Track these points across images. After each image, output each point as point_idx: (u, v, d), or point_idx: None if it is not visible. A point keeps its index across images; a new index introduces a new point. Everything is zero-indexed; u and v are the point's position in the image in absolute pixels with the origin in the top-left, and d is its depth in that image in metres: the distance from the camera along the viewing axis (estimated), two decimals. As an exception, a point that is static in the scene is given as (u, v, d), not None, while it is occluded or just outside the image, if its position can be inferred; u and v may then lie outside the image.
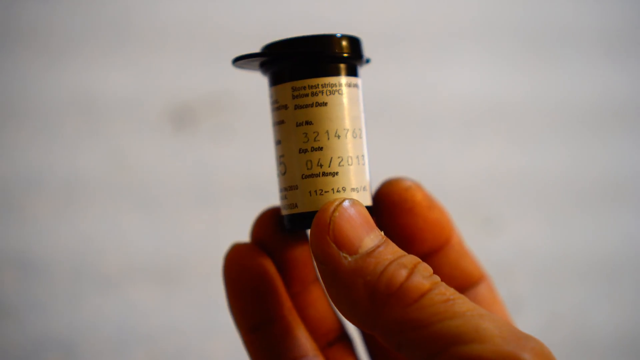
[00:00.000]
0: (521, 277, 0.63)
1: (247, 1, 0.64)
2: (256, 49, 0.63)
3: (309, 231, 0.33)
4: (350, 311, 0.27)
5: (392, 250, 0.28)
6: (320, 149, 0.29)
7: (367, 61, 0.31)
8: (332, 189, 0.29)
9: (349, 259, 0.27)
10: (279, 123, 0.30)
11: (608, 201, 0.66)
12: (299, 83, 0.30)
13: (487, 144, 0.65)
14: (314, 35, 0.30)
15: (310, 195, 0.29)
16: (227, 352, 0.58)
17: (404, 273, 0.26)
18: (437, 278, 0.27)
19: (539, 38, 0.69)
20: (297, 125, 0.30)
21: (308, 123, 0.29)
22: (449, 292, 0.26)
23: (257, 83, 0.63)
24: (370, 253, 0.27)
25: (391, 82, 0.65)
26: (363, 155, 0.30)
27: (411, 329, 0.25)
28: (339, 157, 0.29)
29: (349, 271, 0.27)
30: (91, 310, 0.57)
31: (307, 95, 0.29)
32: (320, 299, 0.34)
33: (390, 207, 0.33)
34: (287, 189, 0.30)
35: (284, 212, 0.31)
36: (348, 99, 0.30)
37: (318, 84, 0.29)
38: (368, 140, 0.31)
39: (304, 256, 0.33)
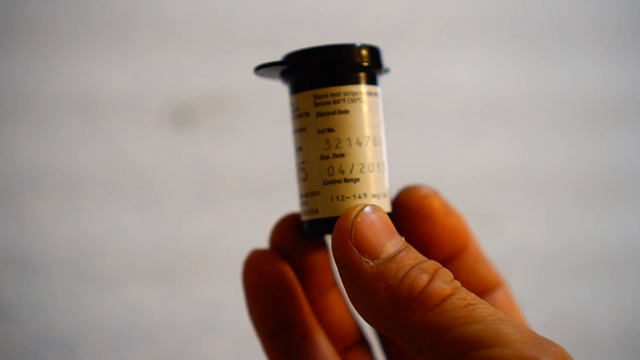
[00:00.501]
0: (522, 275, 0.63)
1: None
2: (259, 48, 0.64)
3: (329, 237, 0.34)
4: (372, 315, 0.27)
5: (413, 256, 0.28)
6: (342, 155, 0.30)
7: (386, 71, 0.32)
8: (354, 195, 0.30)
9: (371, 264, 0.27)
10: (300, 130, 0.31)
11: (609, 197, 0.66)
12: (321, 91, 0.30)
13: (487, 140, 0.66)
14: (336, 45, 0.30)
15: (332, 201, 0.30)
16: (227, 352, 0.58)
17: (425, 278, 0.27)
18: (457, 283, 0.27)
19: (539, 34, 0.69)
20: (319, 132, 0.30)
21: (330, 130, 0.30)
22: (470, 297, 0.27)
23: (257, 82, 0.64)
24: (392, 258, 0.28)
25: (391, 79, 0.65)
26: (383, 163, 0.31)
27: (432, 333, 0.26)
28: (360, 164, 0.30)
29: (370, 276, 0.27)
30: (91, 310, 0.57)
31: (329, 103, 0.30)
32: (338, 304, 0.35)
33: (408, 215, 0.33)
34: (308, 195, 0.31)
35: (305, 218, 0.31)
36: (369, 107, 0.30)
37: (340, 92, 0.30)
38: (387, 148, 0.32)
39: (322, 261, 0.34)
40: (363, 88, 0.30)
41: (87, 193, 0.59)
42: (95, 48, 0.61)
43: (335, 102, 0.30)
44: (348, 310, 0.35)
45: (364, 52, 0.31)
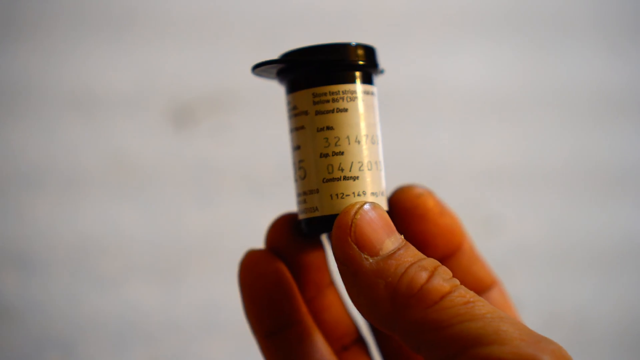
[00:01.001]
0: (522, 273, 0.63)
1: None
2: (259, 46, 0.63)
3: (325, 235, 0.34)
4: (371, 312, 0.28)
5: (412, 253, 0.28)
6: (342, 153, 0.30)
7: (382, 71, 0.32)
8: (353, 193, 0.30)
9: (370, 260, 0.28)
10: (298, 129, 0.31)
11: (609, 193, 0.66)
12: (320, 89, 0.30)
13: (487, 136, 0.66)
14: (335, 43, 0.31)
15: (332, 198, 0.30)
16: (228, 351, 0.58)
17: (424, 275, 0.27)
18: (456, 281, 0.27)
19: (540, 28, 0.69)
20: (317, 131, 0.30)
21: (329, 128, 0.30)
22: (468, 294, 0.27)
23: (255, 80, 0.64)
24: (391, 255, 0.28)
25: (390, 75, 0.65)
26: (380, 162, 0.31)
27: (431, 330, 0.26)
28: (359, 162, 0.30)
29: (370, 272, 0.27)
30: (91, 309, 0.57)
31: (328, 101, 0.30)
32: (334, 303, 0.35)
33: (403, 214, 0.33)
34: (307, 193, 0.31)
35: (303, 216, 0.31)
36: (366, 106, 0.31)
37: (339, 91, 0.30)
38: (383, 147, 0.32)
39: (318, 261, 0.34)
40: (361, 87, 0.31)
41: (87, 191, 0.59)
42: (95, 45, 0.61)
43: (334, 100, 0.30)
44: (345, 309, 0.36)
45: (362, 51, 0.31)
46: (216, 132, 0.62)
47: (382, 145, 0.32)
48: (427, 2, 0.67)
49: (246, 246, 0.59)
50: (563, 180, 0.66)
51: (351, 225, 0.28)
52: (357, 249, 0.28)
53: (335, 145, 0.30)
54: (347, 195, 0.30)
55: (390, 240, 0.28)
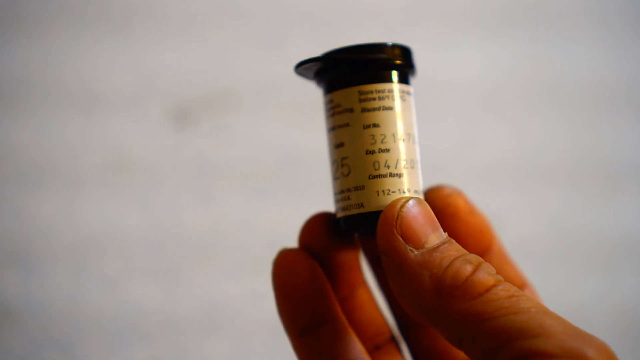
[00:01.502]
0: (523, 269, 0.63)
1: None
2: (259, 44, 0.63)
3: (360, 234, 0.34)
4: (415, 303, 0.28)
5: (456, 248, 0.29)
6: (388, 150, 0.31)
7: (415, 74, 0.33)
8: (398, 190, 0.31)
9: (415, 252, 0.28)
10: (342, 126, 0.31)
11: (613, 187, 0.66)
12: (366, 87, 0.31)
13: (488, 130, 0.66)
14: (381, 44, 0.31)
15: (378, 195, 0.31)
16: (227, 351, 0.58)
17: (469, 268, 0.27)
18: (500, 276, 0.28)
19: (542, 21, 0.69)
20: (364, 128, 0.31)
21: (375, 126, 0.31)
22: (513, 289, 0.27)
23: (255, 78, 0.63)
24: (436, 248, 0.28)
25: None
26: (418, 161, 0.32)
27: (475, 322, 0.26)
28: (403, 160, 0.31)
29: (415, 264, 0.28)
30: (91, 309, 0.56)
31: (374, 99, 0.31)
32: (367, 303, 0.35)
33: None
34: (352, 190, 0.31)
35: (346, 213, 0.32)
36: (408, 105, 0.32)
37: (385, 89, 0.31)
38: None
39: (352, 260, 0.34)
40: (403, 87, 0.32)
41: (87, 190, 0.58)
42: (95, 43, 0.61)
43: (380, 98, 0.31)
44: (377, 308, 0.36)
45: (404, 52, 0.32)
46: (216, 130, 0.62)
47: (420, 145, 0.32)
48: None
49: (247, 246, 0.60)
50: (565, 176, 0.66)
51: (397, 217, 0.29)
52: (403, 241, 0.28)
53: (382, 142, 0.31)
54: (393, 192, 0.31)
55: (434, 234, 0.29)
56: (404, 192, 0.31)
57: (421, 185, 0.32)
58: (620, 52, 0.70)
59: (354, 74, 0.31)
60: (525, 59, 0.68)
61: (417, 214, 0.29)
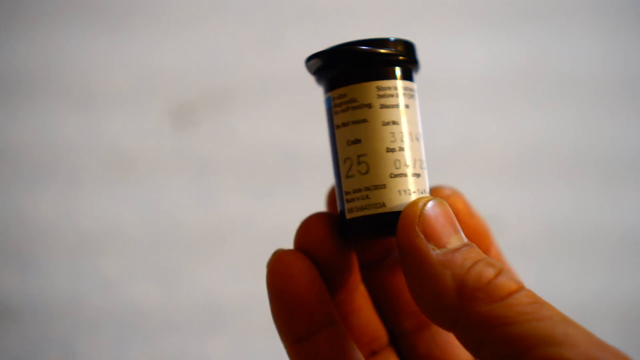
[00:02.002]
0: (523, 266, 0.63)
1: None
2: (259, 43, 0.62)
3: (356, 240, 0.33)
4: (433, 304, 0.27)
5: (478, 251, 0.28)
6: (408, 149, 0.30)
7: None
8: (417, 190, 0.30)
9: (437, 251, 0.27)
10: (359, 122, 0.30)
11: (615, 181, 0.66)
12: (384, 83, 0.30)
13: (489, 125, 0.66)
14: (401, 39, 0.31)
15: (400, 194, 0.30)
16: (227, 351, 0.58)
17: (492, 271, 0.27)
18: (522, 283, 0.27)
19: (544, 15, 0.69)
20: (383, 125, 0.30)
21: (395, 123, 0.30)
22: (535, 296, 0.27)
23: (254, 77, 0.63)
24: (458, 249, 0.28)
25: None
26: (425, 161, 0.31)
27: (497, 325, 0.25)
28: (419, 160, 0.31)
29: (437, 263, 0.27)
30: (91, 308, 0.56)
31: (392, 95, 0.30)
32: (364, 306, 0.34)
33: None
34: (370, 189, 0.30)
35: (363, 213, 0.30)
36: (418, 104, 0.31)
37: (403, 87, 0.30)
38: None
39: (350, 262, 0.33)
40: (415, 86, 0.31)
41: (87, 189, 0.58)
42: (95, 41, 0.61)
43: (398, 95, 0.30)
44: (374, 312, 0.35)
45: (414, 50, 0.31)
46: (216, 128, 0.61)
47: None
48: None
49: (247, 245, 0.59)
50: (567, 170, 0.66)
51: (420, 215, 0.28)
52: (424, 239, 0.28)
53: (401, 140, 0.30)
54: (414, 192, 0.30)
55: (456, 236, 0.28)
56: (423, 192, 0.30)
57: (428, 186, 0.31)
58: (622, 46, 0.70)
59: (374, 68, 0.30)
60: (525, 53, 0.68)
61: (439, 214, 0.28)
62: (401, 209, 0.29)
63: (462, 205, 0.34)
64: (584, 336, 0.25)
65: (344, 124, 0.31)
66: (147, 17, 0.62)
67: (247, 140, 0.62)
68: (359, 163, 0.30)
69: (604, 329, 0.61)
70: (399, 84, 0.30)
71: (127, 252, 0.58)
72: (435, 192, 0.34)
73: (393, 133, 0.30)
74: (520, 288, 0.27)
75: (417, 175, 0.30)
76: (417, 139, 0.30)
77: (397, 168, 0.30)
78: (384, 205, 0.30)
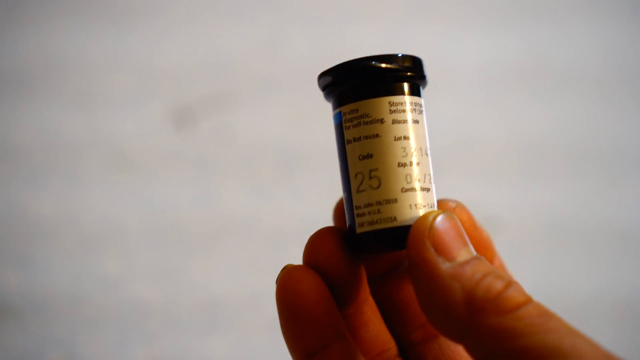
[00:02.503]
0: (523, 263, 0.63)
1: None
2: (259, 43, 0.62)
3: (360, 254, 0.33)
4: (443, 316, 0.28)
5: (486, 265, 0.29)
6: (418, 164, 0.31)
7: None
8: (427, 204, 0.31)
9: (447, 264, 0.28)
10: (371, 137, 0.31)
11: (616, 176, 0.66)
12: (396, 99, 0.31)
13: (490, 116, 0.66)
14: (411, 56, 0.31)
15: (411, 208, 0.30)
16: (228, 349, 0.58)
17: (501, 284, 0.27)
18: (530, 296, 0.28)
19: (543, 8, 0.69)
20: (395, 140, 0.30)
21: (405, 138, 0.30)
22: (543, 308, 0.27)
23: (254, 76, 0.63)
24: (467, 262, 0.28)
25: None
26: (432, 175, 0.32)
27: (506, 338, 0.26)
28: (428, 175, 0.31)
29: (446, 275, 0.28)
30: (92, 308, 0.56)
31: (404, 111, 0.31)
32: (372, 319, 0.34)
33: None
34: (382, 203, 0.31)
35: (374, 227, 0.31)
36: (425, 120, 0.32)
37: (412, 102, 0.31)
38: None
39: (358, 276, 0.33)
40: (422, 101, 0.32)
41: (89, 188, 0.58)
42: (95, 39, 0.60)
43: (408, 110, 0.31)
44: (383, 324, 0.35)
45: (422, 66, 0.32)
46: (217, 128, 0.61)
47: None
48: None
49: (247, 245, 0.59)
50: (568, 165, 0.66)
51: (430, 229, 0.29)
52: (434, 253, 0.28)
53: (412, 155, 0.30)
54: (424, 206, 0.31)
55: (465, 250, 0.29)
56: (432, 206, 0.31)
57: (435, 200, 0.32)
58: (624, 42, 0.70)
59: (386, 83, 0.31)
60: (526, 50, 0.68)
61: (449, 227, 0.29)
62: (411, 223, 0.30)
63: (467, 218, 0.34)
64: (591, 348, 0.25)
65: (356, 139, 0.31)
66: (148, 16, 0.62)
67: (247, 139, 0.62)
68: (370, 178, 0.31)
69: (604, 327, 0.63)
70: (409, 99, 0.31)
71: (128, 251, 0.58)
72: (440, 205, 0.34)
73: (404, 148, 0.30)
74: (529, 300, 0.27)
75: (427, 189, 0.31)
76: (426, 154, 0.31)
77: (408, 183, 0.30)
78: (395, 219, 0.30)
